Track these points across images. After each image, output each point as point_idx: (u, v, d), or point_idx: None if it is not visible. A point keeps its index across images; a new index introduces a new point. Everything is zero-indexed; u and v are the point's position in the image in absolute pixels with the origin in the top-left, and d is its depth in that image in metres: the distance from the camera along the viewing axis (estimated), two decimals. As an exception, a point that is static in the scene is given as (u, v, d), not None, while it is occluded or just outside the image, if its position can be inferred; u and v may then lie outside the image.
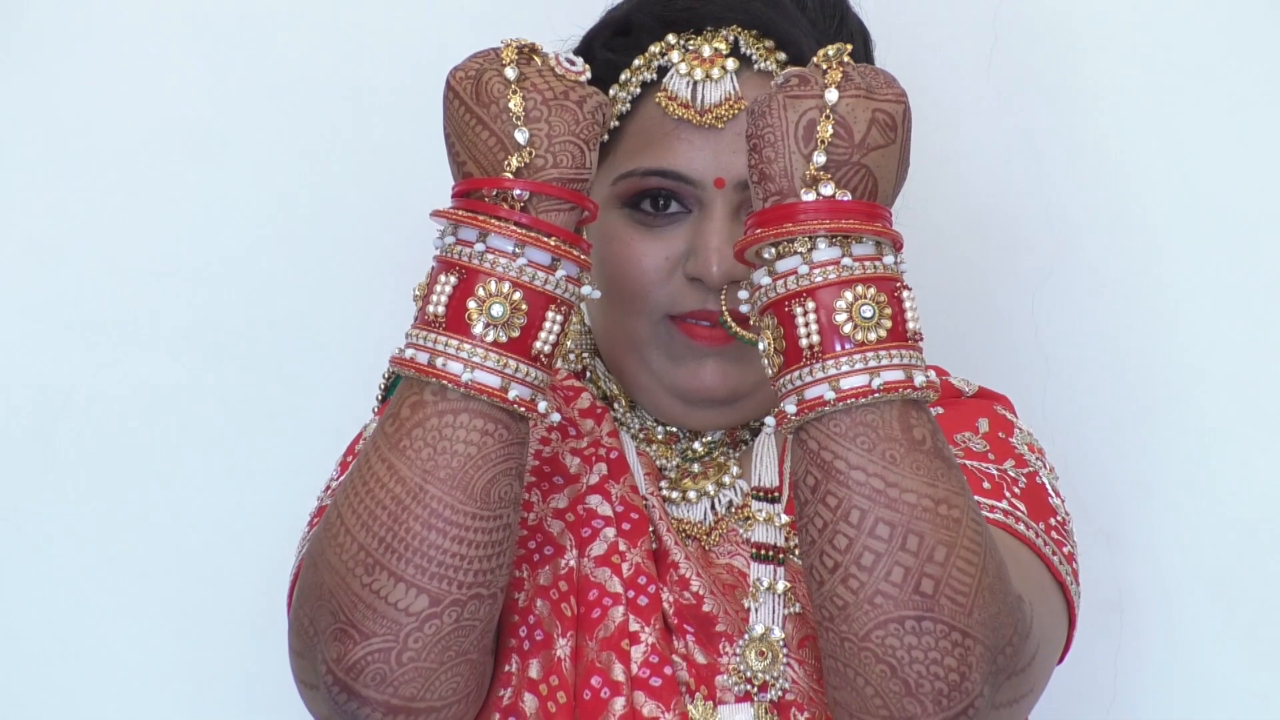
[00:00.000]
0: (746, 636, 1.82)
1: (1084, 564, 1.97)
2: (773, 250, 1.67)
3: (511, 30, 1.85)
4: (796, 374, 1.65)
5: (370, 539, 1.69)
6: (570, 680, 1.82)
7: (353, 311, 2.35)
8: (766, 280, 1.67)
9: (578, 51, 1.94)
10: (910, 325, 1.66)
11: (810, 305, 1.64)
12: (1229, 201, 2.49)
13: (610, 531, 1.87)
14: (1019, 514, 1.84)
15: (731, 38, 1.89)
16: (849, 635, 1.64)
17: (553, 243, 1.69)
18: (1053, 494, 1.90)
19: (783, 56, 1.89)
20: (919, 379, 1.65)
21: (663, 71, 1.89)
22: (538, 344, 1.70)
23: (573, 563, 1.86)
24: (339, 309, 2.49)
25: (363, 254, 2.47)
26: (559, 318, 1.70)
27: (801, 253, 1.65)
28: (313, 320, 2.51)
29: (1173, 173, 2.49)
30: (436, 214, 1.72)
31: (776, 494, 1.90)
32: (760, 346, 1.68)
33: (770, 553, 1.86)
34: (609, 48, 1.91)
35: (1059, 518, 1.88)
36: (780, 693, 1.81)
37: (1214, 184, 2.49)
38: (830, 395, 1.63)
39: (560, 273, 1.70)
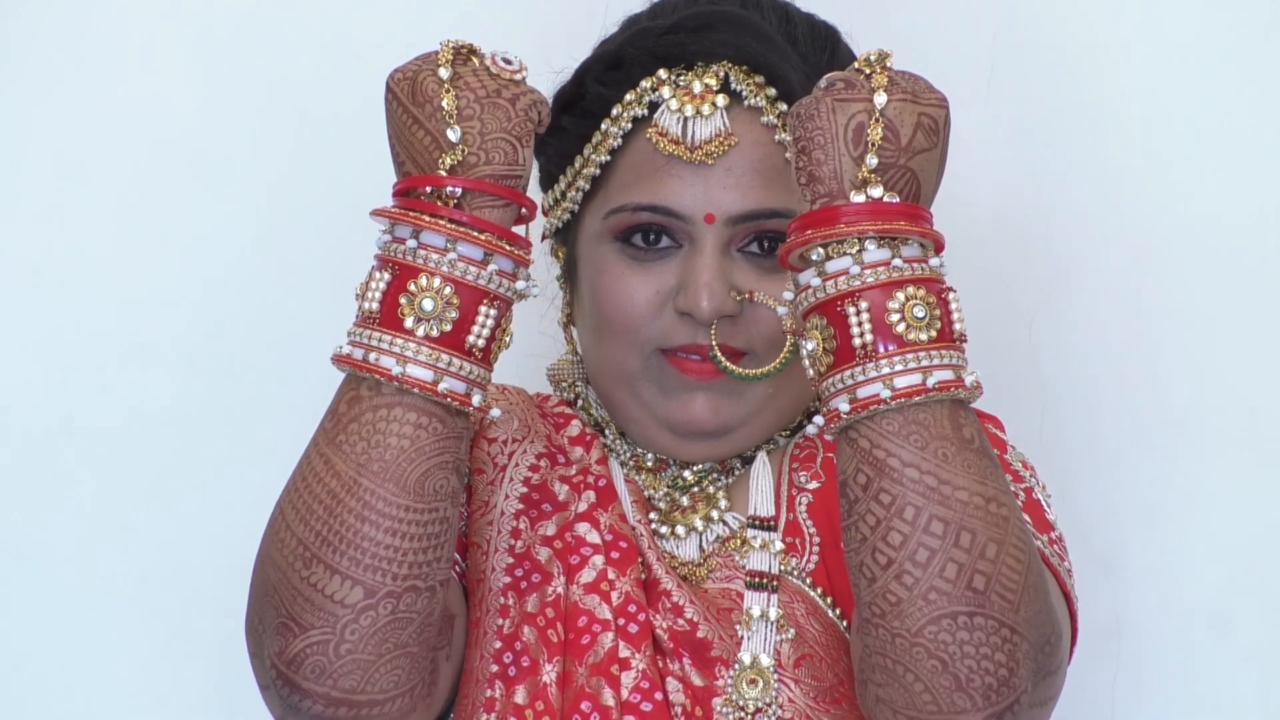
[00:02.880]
0: (736, 666, 1.82)
1: (1082, 591, 1.95)
2: (821, 251, 1.67)
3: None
4: (849, 373, 1.65)
5: (308, 533, 1.71)
6: (557, 705, 1.82)
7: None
8: (816, 281, 1.67)
9: (570, 84, 1.95)
10: (956, 326, 1.67)
11: (863, 305, 1.64)
12: (1227, 229, 2.46)
13: (599, 559, 1.87)
14: (1025, 524, 1.85)
15: (722, 73, 1.90)
16: (901, 631, 1.64)
17: (484, 238, 1.71)
18: (1047, 509, 1.89)
19: (773, 92, 1.89)
20: (968, 379, 1.66)
21: (654, 106, 1.91)
22: (471, 338, 1.71)
23: (560, 590, 1.86)
24: (341, 330, 2.49)
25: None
26: (493, 312, 1.71)
27: (851, 254, 1.65)
28: (315, 341, 2.51)
29: (1171, 200, 2.47)
30: (376, 213, 1.75)
31: (772, 523, 1.90)
32: (808, 347, 1.68)
33: (765, 580, 1.86)
34: (600, 81, 1.93)
35: (1056, 533, 1.88)
36: (774, 717, 1.81)
37: (1213, 211, 2.46)
38: (885, 394, 1.63)
39: (492, 267, 1.71)
